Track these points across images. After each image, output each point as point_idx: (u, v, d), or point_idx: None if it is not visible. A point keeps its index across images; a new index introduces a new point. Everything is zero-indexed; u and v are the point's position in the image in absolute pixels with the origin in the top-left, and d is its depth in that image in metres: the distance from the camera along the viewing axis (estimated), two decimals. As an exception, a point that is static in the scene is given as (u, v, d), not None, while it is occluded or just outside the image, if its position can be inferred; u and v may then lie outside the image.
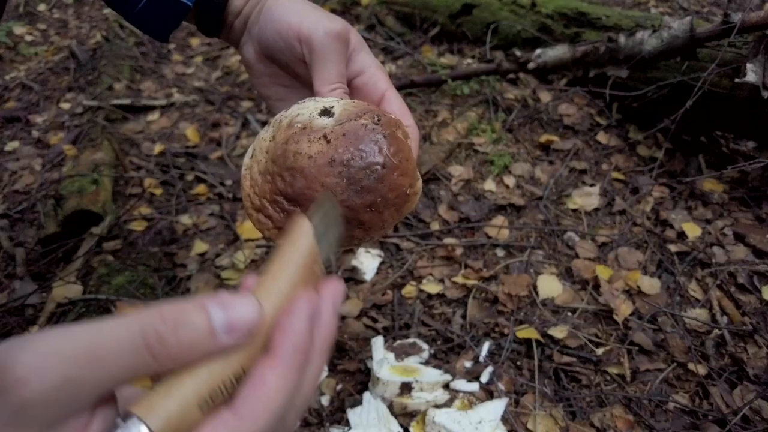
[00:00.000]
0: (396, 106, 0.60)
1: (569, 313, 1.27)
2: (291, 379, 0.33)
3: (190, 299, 0.31)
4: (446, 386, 1.10)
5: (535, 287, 1.32)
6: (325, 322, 0.37)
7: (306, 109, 0.53)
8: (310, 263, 0.37)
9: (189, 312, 0.31)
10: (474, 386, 1.10)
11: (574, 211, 1.57)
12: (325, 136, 0.49)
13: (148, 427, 0.29)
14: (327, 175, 0.48)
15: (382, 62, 1.88)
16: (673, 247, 1.42)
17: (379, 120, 0.51)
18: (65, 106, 2.46)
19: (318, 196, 0.48)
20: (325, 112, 0.52)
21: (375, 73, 0.62)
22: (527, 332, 1.20)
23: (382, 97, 0.61)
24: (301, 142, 0.50)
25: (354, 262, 1.41)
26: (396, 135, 0.52)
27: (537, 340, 1.19)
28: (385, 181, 0.49)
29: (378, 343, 1.16)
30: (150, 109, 2.33)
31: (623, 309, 1.24)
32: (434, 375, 1.10)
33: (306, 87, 0.64)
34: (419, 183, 0.54)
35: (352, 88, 0.62)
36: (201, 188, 1.78)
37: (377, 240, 1.50)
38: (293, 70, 0.63)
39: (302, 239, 0.37)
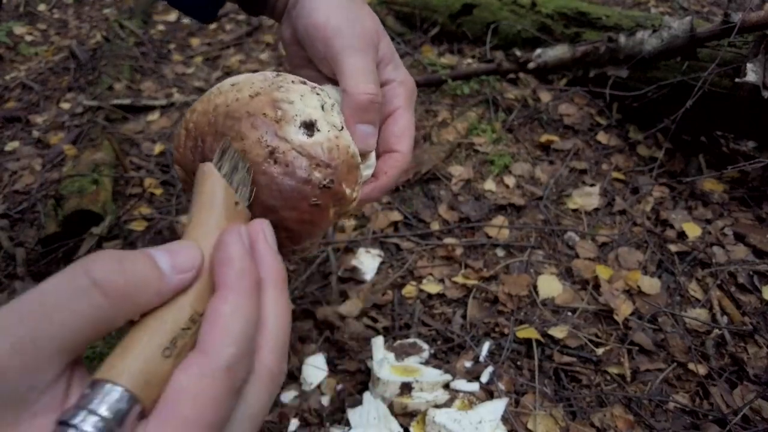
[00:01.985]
0: (400, 125, 0.57)
1: (569, 313, 1.27)
2: (245, 304, 0.32)
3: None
4: (446, 386, 1.10)
5: (535, 287, 1.32)
6: (263, 252, 0.36)
7: (306, 106, 0.46)
8: (229, 202, 0.38)
9: (132, 255, 0.31)
10: (474, 386, 1.10)
11: (574, 211, 1.57)
12: (272, 153, 0.43)
13: (122, 386, 0.28)
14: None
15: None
16: (673, 247, 1.42)
17: (328, 186, 0.44)
18: (65, 106, 2.46)
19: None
20: (308, 127, 0.45)
21: (394, 87, 0.58)
22: (527, 332, 1.20)
23: (390, 114, 0.57)
24: (245, 124, 0.44)
25: (354, 262, 1.41)
26: (326, 211, 0.46)
27: (537, 340, 1.19)
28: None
29: (378, 343, 1.16)
30: (150, 109, 2.33)
31: (623, 309, 1.24)
32: (434, 375, 1.10)
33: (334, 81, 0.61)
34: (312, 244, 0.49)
35: None
36: (201, 188, 1.78)
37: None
38: (319, 68, 0.61)
39: (210, 181, 0.38)
